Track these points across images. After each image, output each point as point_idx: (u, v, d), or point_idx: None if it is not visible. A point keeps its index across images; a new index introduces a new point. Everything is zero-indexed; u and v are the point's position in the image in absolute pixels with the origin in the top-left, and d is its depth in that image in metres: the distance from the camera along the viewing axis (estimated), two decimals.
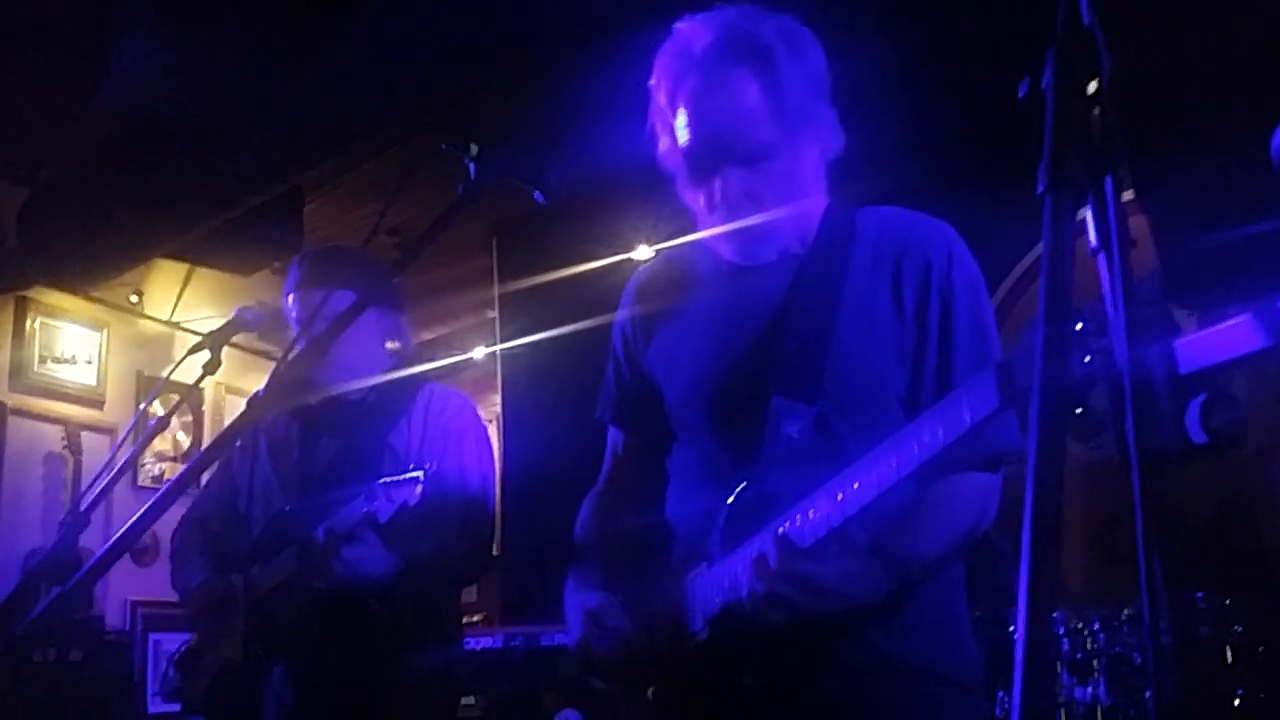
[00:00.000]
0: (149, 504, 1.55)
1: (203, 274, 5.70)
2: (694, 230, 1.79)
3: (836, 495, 1.40)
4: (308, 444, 2.56)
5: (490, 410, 6.23)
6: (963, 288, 1.64)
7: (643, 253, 4.99)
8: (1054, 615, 2.83)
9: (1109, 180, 0.82)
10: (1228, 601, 2.56)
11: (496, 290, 6.11)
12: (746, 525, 1.52)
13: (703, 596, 1.57)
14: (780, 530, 1.44)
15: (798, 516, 1.44)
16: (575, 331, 4.85)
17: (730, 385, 1.67)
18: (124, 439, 4.96)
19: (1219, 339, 0.72)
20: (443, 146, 1.77)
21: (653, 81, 1.72)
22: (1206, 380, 0.72)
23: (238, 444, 2.53)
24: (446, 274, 5.98)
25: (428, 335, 6.58)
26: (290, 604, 2.35)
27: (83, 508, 2.14)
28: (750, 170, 1.63)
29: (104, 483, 2.16)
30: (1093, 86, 0.83)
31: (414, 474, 2.16)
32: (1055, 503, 0.75)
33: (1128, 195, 0.77)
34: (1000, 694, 2.79)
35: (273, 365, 5.54)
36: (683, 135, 1.66)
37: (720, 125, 1.62)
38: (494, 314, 6.15)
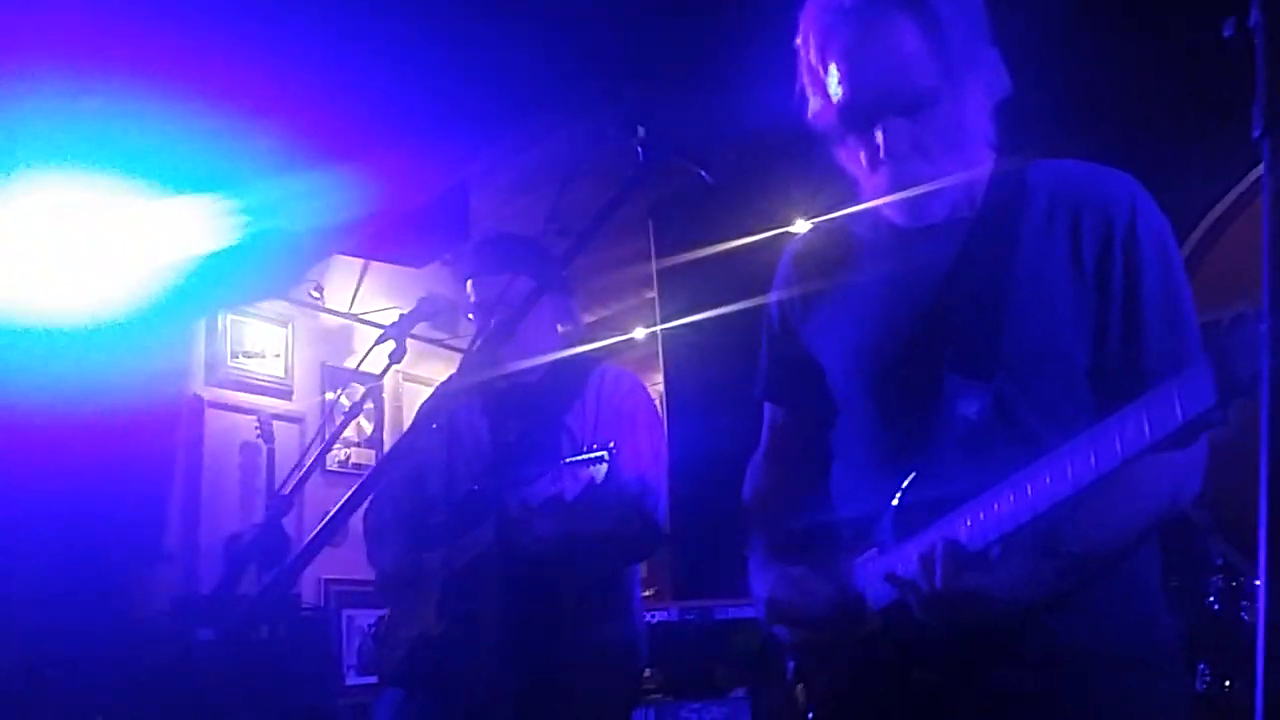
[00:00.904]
0: (357, 485, 1.64)
1: (377, 268, 5.94)
2: (852, 201, 1.69)
3: (1025, 489, 1.30)
4: (491, 426, 2.66)
5: (653, 389, 6.29)
6: (1150, 243, 1.50)
7: (800, 227, 4.94)
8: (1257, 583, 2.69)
9: None
10: None
11: (654, 269, 6.16)
12: (920, 514, 1.45)
13: (873, 586, 1.50)
14: (949, 536, 1.37)
15: (976, 513, 1.35)
16: (735, 308, 4.86)
17: (898, 360, 1.57)
18: (319, 431, 5.24)
19: None
20: (610, 130, 1.80)
21: (799, 39, 1.61)
22: None
23: (433, 426, 2.64)
24: (604, 256, 6.05)
25: (588, 318, 6.69)
26: (484, 578, 2.45)
27: (283, 493, 2.29)
28: (913, 120, 1.52)
29: (301, 471, 2.30)
30: None
31: (598, 454, 2.22)
32: None
33: None
34: (1201, 667, 2.68)
35: (446, 353, 5.73)
36: (837, 91, 1.55)
37: (879, 74, 1.51)
38: (653, 294, 6.20)
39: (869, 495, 1.56)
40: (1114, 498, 1.36)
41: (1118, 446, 1.21)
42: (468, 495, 2.54)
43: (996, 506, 1.34)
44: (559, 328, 2.70)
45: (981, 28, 1.58)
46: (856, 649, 1.54)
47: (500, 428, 2.65)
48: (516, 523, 2.32)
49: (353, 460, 5.85)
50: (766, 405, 1.87)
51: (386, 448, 6.11)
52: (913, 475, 1.49)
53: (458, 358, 5.76)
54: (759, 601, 1.66)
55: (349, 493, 1.59)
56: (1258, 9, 0.82)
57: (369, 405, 6.15)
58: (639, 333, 6.46)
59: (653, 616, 3.87)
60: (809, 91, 1.62)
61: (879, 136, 1.54)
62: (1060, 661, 1.44)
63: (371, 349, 2.42)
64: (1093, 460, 1.23)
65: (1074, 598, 1.43)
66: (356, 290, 5.99)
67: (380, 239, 4.93)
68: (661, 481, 2.58)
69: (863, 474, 1.61)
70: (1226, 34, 0.84)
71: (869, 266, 1.68)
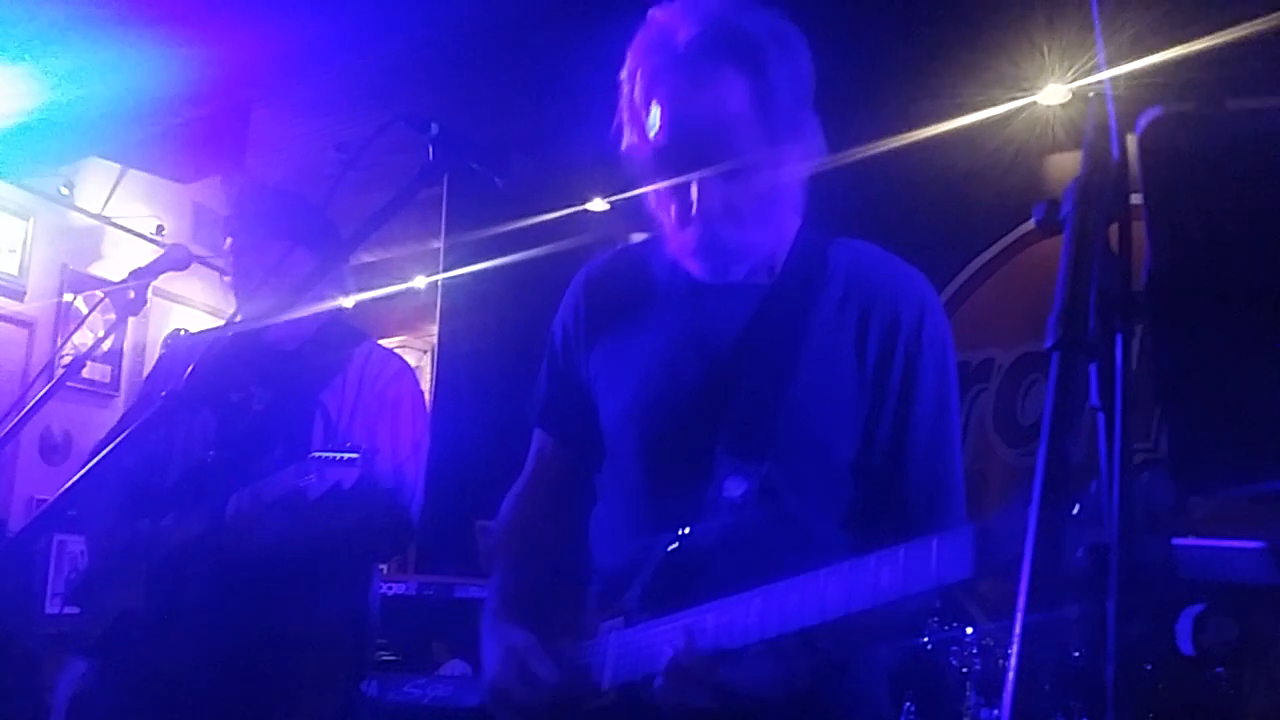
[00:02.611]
0: (77, 474, 1.51)
1: (137, 173, 5.46)
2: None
3: (774, 606, 1.29)
4: (239, 393, 2.44)
5: (426, 341, 6.12)
6: (931, 351, 1.51)
7: (598, 206, 4.90)
8: (969, 630, 2.86)
9: (1119, 338, 0.76)
10: None
11: (444, 217, 5.98)
12: (671, 589, 1.43)
13: (615, 658, 1.46)
14: (700, 627, 1.34)
15: (725, 615, 1.33)
16: (519, 268, 4.77)
17: (673, 423, 1.53)
18: (60, 346, 4.80)
19: (1227, 557, 0.67)
20: (401, 123, 1.66)
21: (624, 73, 1.55)
22: (1204, 589, 0.67)
23: (163, 388, 2.42)
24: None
25: (368, 258, 6.40)
26: (200, 561, 2.26)
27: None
28: (730, 181, 1.47)
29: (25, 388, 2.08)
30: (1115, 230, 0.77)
31: (351, 455, 2.08)
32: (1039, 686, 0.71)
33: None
34: (907, 705, 2.82)
35: (204, 270, 5.33)
36: (656, 135, 1.49)
37: (702, 128, 1.46)
38: (439, 243, 6.02)
39: (624, 555, 1.51)
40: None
41: (869, 592, 1.21)
42: (198, 466, 2.34)
43: (744, 614, 1.31)
44: (328, 296, 2.51)
45: (808, 93, 1.55)
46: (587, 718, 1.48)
47: (250, 395, 2.44)
48: (247, 516, 2.15)
49: (85, 374, 5.39)
50: (536, 431, 1.77)
51: (125, 363, 5.69)
52: (673, 545, 1.46)
53: (214, 276, 5.39)
54: (488, 684, 1.56)
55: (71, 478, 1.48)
56: (1071, 203, 0.79)
57: (110, 316, 5.74)
58: (419, 281, 6.24)
59: (389, 588, 3.75)
60: (626, 127, 1.56)
61: (693, 192, 1.48)
62: None
63: (102, 300, 2.18)
64: (845, 597, 1.23)
65: (811, 699, 1.42)
66: (111, 193, 5.49)
67: (146, 149, 4.52)
68: (418, 478, 2.45)
69: (623, 532, 1.56)
70: (1036, 219, 0.82)
71: (660, 314, 1.62)
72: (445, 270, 5.82)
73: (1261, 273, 0.60)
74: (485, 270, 5.18)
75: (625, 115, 1.57)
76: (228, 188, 5.43)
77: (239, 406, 2.40)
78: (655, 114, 1.50)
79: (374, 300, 5.34)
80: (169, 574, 2.26)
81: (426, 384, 6.03)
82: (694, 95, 1.47)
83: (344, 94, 4.79)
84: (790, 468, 1.47)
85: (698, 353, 1.55)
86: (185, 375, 2.14)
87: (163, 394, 2.34)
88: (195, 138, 4.44)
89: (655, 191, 1.55)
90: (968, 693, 2.73)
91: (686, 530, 1.46)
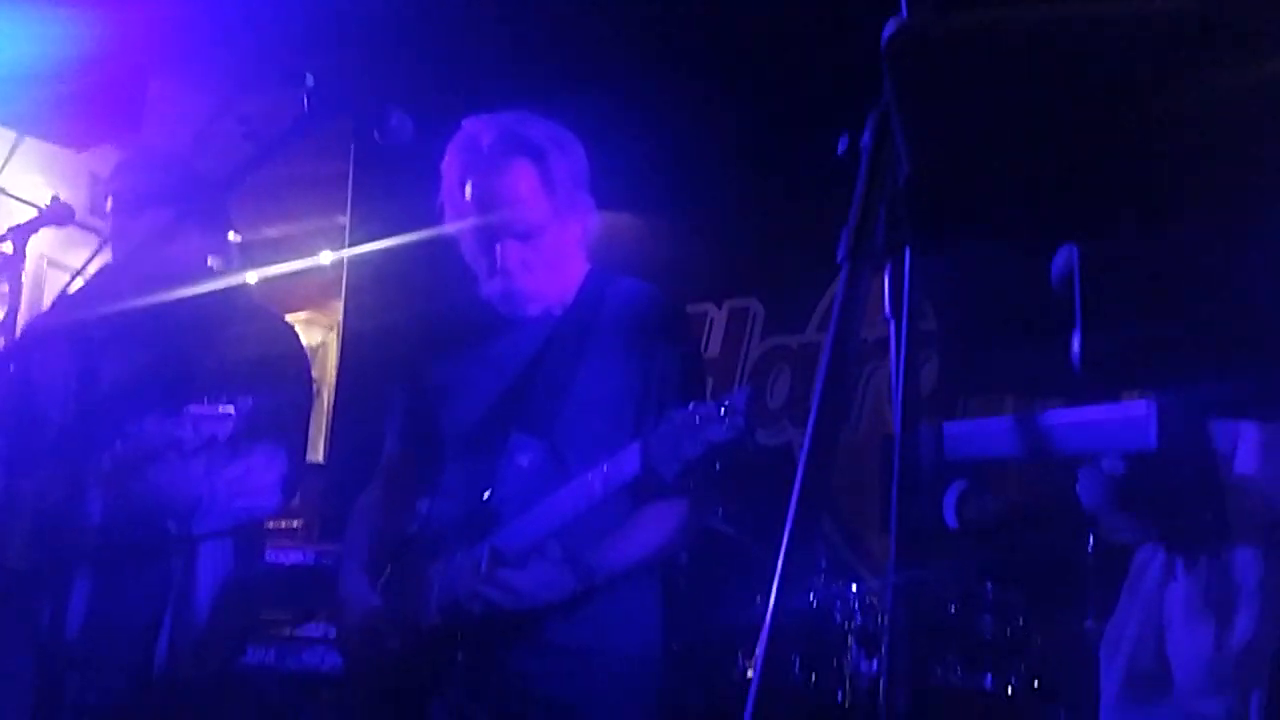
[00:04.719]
0: None
1: (33, 142, 5.32)
2: None
3: (533, 518, 1.93)
4: (113, 349, 2.43)
5: (332, 318, 6.07)
6: (673, 343, 2.12)
7: None
8: (854, 587, 2.96)
9: (908, 250, 0.83)
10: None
11: (350, 195, 5.92)
12: (477, 534, 2.00)
13: (439, 589, 2.00)
14: (492, 544, 1.94)
15: (509, 533, 1.95)
16: (426, 245, 4.74)
17: (481, 422, 2.11)
18: None
19: (984, 433, 0.74)
20: (276, 77, 1.71)
21: (444, 165, 2.13)
22: (970, 469, 0.74)
23: (39, 341, 2.41)
24: (299, 170, 5.72)
25: (272, 233, 6.31)
26: (78, 515, 2.26)
27: None
28: (524, 243, 2.07)
29: None
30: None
31: (226, 409, 2.09)
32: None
33: None
34: (793, 658, 2.92)
35: (97, 240, 5.22)
36: (469, 213, 2.08)
37: (502, 204, 2.05)
38: (345, 218, 5.97)
39: (449, 515, 2.10)
40: (626, 531, 2.04)
41: (584, 499, 1.90)
42: (71, 423, 2.33)
43: (520, 529, 1.96)
44: (210, 260, 2.52)
45: (582, 179, 2.13)
46: (419, 643, 2.02)
47: (127, 353, 2.43)
48: (123, 468, 2.15)
49: None
50: (387, 436, 2.34)
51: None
52: (480, 501, 2.03)
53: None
54: (341, 630, 2.22)
55: None
56: (870, 131, 0.86)
57: (3, 288, 5.59)
58: (325, 257, 6.17)
59: (286, 556, 3.74)
60: (446, 207, 2.14)
61: (497, 253, 2.07)
62: (563, 651, 2.00)
63: None
64: (573, 503, 1.91)
65: (580, 609, 1.99)
66: (5, 162, 5.34)
67: (39, 114, 4.42)
68: (303, 439, 2.49)
69: (449, 498, 2.13)
70: (840, 150, 0.88)
71: (478, 342, 2.20)
72: (351, 246, 5.78)
73: (1007, 176, 0.67)
74: (392, 247, 5.16)
75: (445, 197, 2.15)
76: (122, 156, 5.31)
77: (115, 362, 2.39)
78: (468, 194, 2.08)
79: (279, 276, 5.29)
80: (48, 530, 2.26)
81: (332, 359, 5.99)
82: (495, 179, 2.07)
83: (245, 66, 4.73)
84: (574, 437, 2.05)
85: (502, 368, 2.15)
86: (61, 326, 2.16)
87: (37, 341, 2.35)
88: (90, 104, 4.36)
89: (469, 250, 2.14)
90: (849, 646, 2.84)
91: (490, 491, 2.04)
